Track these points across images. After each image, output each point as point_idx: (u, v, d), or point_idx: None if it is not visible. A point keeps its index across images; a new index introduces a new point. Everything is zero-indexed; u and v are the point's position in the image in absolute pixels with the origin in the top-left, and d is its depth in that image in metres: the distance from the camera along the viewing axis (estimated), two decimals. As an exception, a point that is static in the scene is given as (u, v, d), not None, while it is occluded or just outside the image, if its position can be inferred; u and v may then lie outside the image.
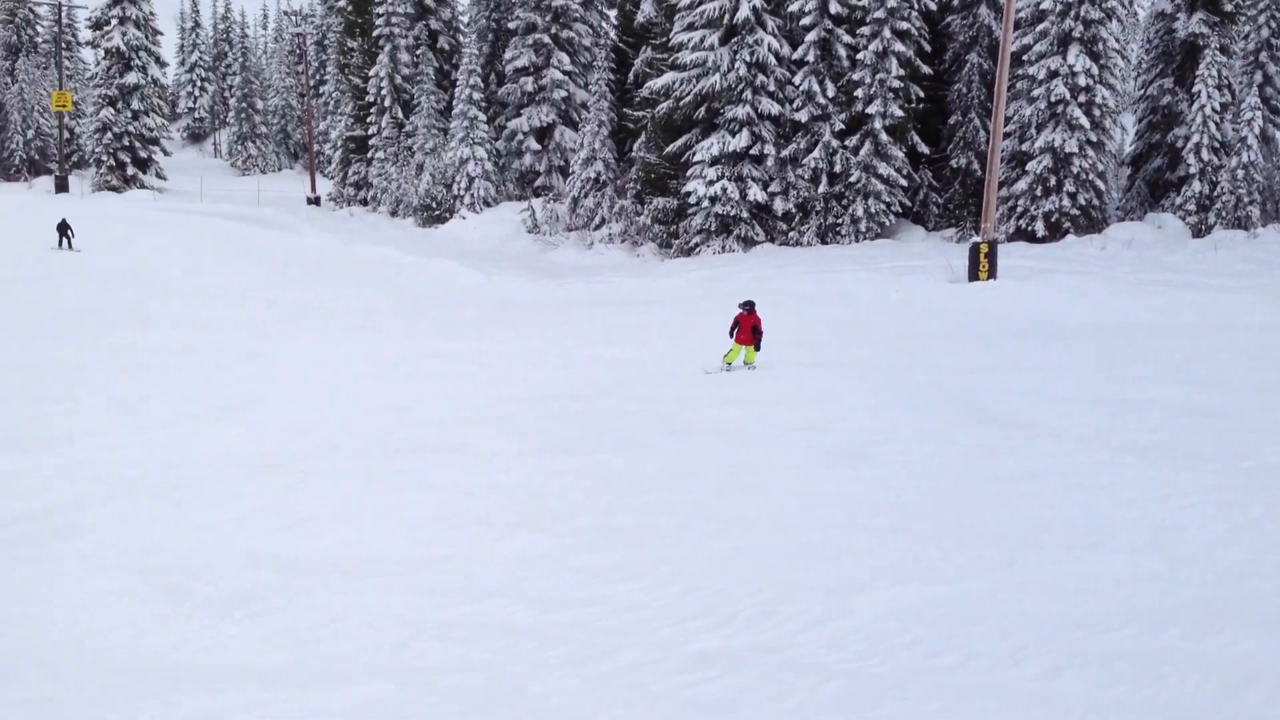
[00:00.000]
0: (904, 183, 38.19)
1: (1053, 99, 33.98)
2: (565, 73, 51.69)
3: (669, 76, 40.28)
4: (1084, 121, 33.74)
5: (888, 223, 38.39)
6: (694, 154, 39.30)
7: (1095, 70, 33.89)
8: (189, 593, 7.48)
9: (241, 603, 7.25)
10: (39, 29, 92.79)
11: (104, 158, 65.66)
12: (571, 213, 46.15)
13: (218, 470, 11.22)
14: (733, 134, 38.41)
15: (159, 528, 9.16)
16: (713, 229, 39.28)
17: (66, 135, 72.39)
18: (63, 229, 35.65)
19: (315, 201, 63.10)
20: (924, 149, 38.77)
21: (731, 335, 17.66)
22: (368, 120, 58.71)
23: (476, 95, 50.87)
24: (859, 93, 37.15)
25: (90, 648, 6.57)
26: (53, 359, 18.73)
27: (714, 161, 38.67)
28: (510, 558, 8.05)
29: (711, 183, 38.52)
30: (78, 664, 6.30)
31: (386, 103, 56.80)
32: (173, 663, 6.28)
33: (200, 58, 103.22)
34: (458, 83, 51.76)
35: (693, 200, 39.23)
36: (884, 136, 37.22)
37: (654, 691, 5.63)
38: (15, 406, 14.70)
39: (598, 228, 44.81)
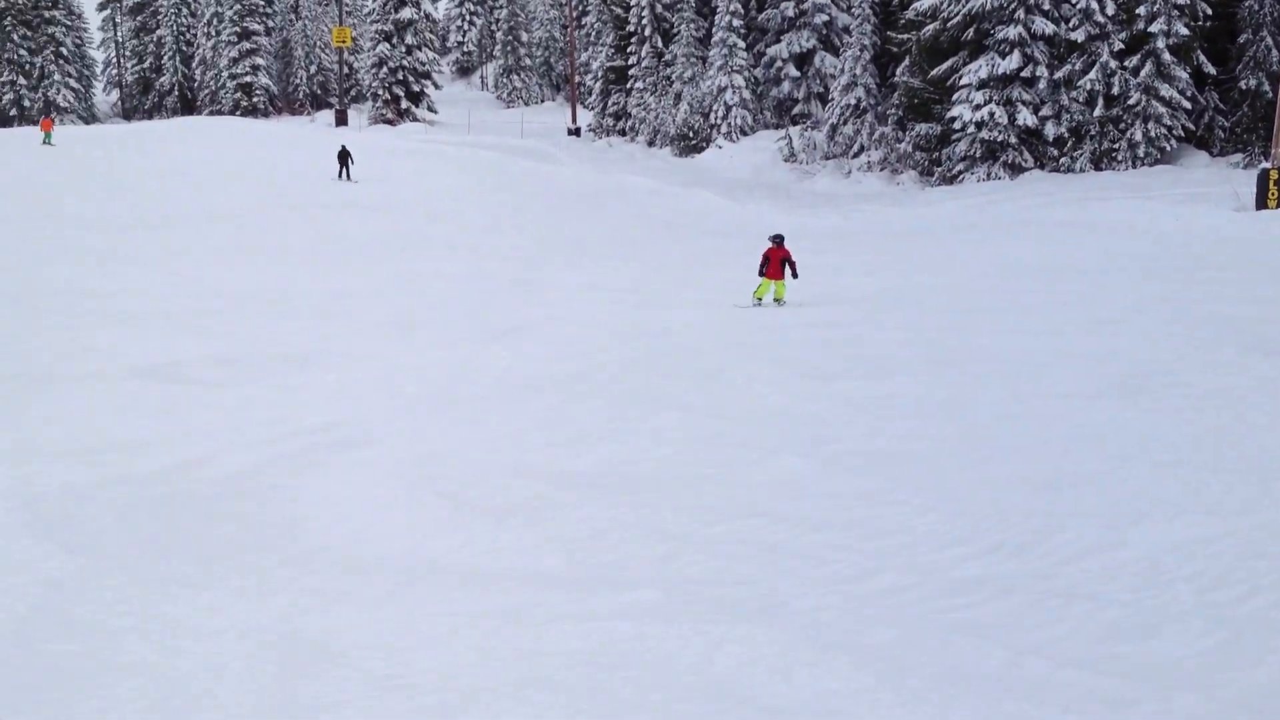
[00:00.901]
0: (1187, 105, 35.93)
1: (1357, 13, 31.27)
2: (827, -4, 50.79)
3: (935, -3, 39.06)
4: (1392, 37, 30.96)
5: (1168, 148, 36.26)
6: (960, 77, 38.07)
7: None
8: (466, 501, 7.89)
9: (515, 512, 7.60)
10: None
11: (379, 91, 68.68)
12: (829, 140, 45.51)
13: (489, 389, 11.74)
14: (1002, 55, 36.96)
15: (437, 441, 9.67)
16: (978, 155, 38.06)
17: (346, 70, 75.92)
18: (343, 159, 37.59)
19: (575, 133, 64.32)
20: (1210, 69, 36.31)
21: (761, 272, 17.27)
22: (628, 51, 59.31)
23: (736, 22, 50.58)
24: (1141, 10, 35.07)
25: (380, 548, 7.03)
26: (335, 284, 19.89)
27: (981, 85, 37.36)
28: (770, 479, 8.13)
29: (978, 107, 37.26)
30: (369, 562, 6.76)
31: (647, 32, 57.19)
32: (455, 564, 6.67)
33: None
34: (717, 10, 51.57)
35: (957, 126, 38.07)
36: (1167, 56, 35.06)
37: (919, 613, 5.63)
38: (305, 327, 15.73)
39: (856, 155, 44.07)
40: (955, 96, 38.30)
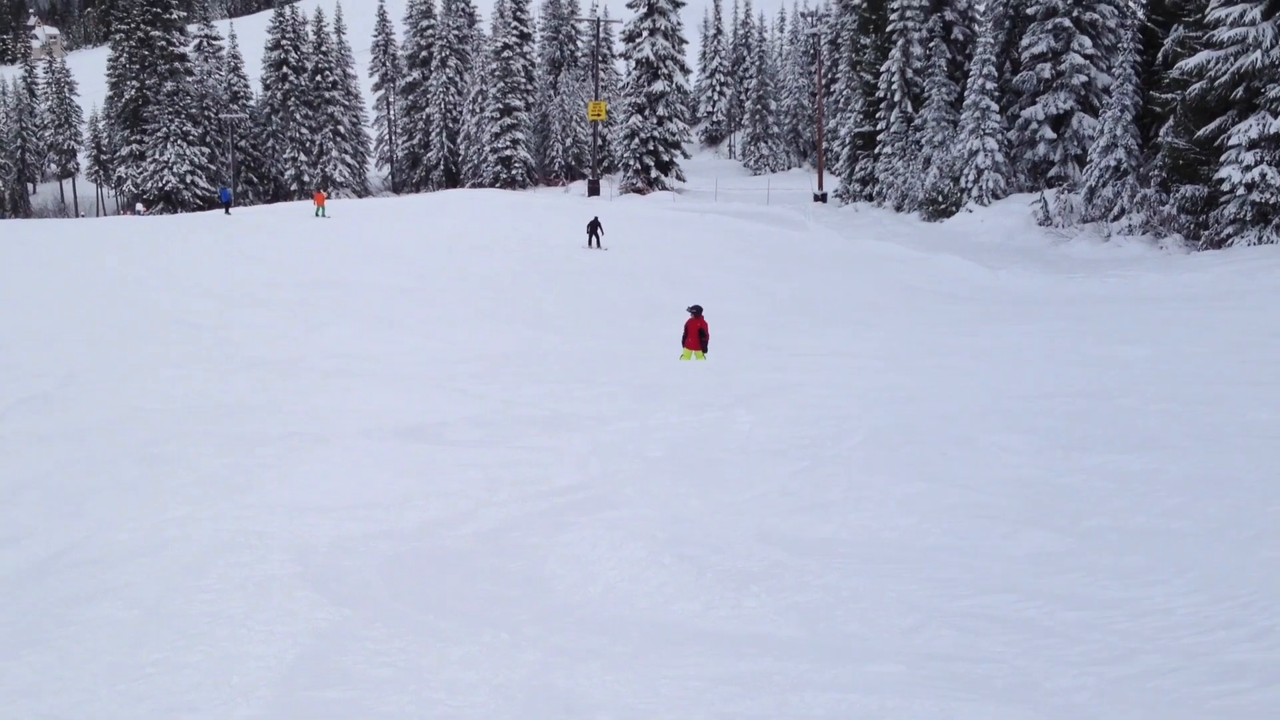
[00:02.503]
0: None
1: None
2: (1086, 57, 49.34)
3: (1202, 55, 37.45)
4: None
5: None
6: (1228, 137, 36.28)
7: None
8: (710, 566, 7.95)
9: (757, 578, 7.62)
10: (578, 44, 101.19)
11: (630, 161, 70.50)
12: (1087, 203, 44.03)
13: (733, 453, 11.80)
14: (1275, 115, 35.05)
15: (681, 505, 9.79)
16: (1248, 218, 36.09)
17: (599, 142, 78.22)
18: (592, 228, 38.80)
19: (821, 198, 64.35)
20: None
21: (683, 342, 18.09)
22: (876, 116, 59.14)
23: (989, 85, 49.77)
24: None
25: (625, 609, 7.17)
26: (583, 347, 20.46)
27: (1251, 145, 35.49)
28: (1022, 554, 7.90)
29: (1248, 168, 35.38)
30: (615, 622, 6.90)
31: (896, 97, 56.92)
32: (698, 628, 6.74)
33: (720, 63, 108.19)
34: (970, 73, 50.90)
35: (1225, 188, 36.23)
36: None
37: (1179, 698, 5.36)
38: (555, 389, 16.22)
39: (1115, 218, 42.47)
40: (1223, 157, 36.50)
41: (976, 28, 55.76)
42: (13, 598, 7.57)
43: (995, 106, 50.14)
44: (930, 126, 53.84)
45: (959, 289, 31.88)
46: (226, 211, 56.01)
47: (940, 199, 51.00)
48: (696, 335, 18.34)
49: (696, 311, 18.43)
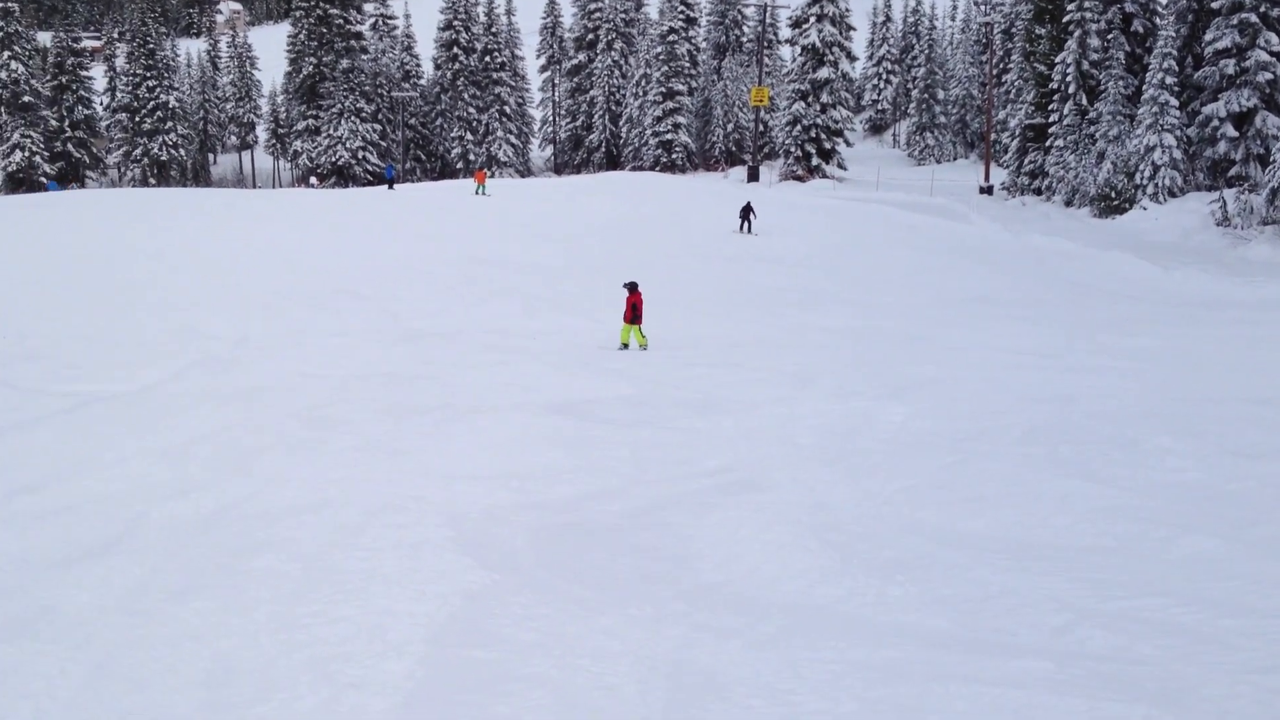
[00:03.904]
0: None
1: None
2: (1272, 54, 47.10)
3: (1402, 51, 35.48)
4: None
5: None
6: None
7: None
8: (855, 553, 7.91)
9: (904, 567, 7.55)
10: (744, 29, 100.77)
11: (791, 148, 69.90)
12: (1269, 205, 42.09)
13: (884, 444, 11.69)
14: None
15: (829, 491, 9.75)
16: None
17: (761, 128, 77.80)
18: (745, 213, 38.66)
19: (987, 191, 62.87)
20: None
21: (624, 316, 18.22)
22: (1049, 108, 57.48)
23: (1169, 80, 47.90)
24: None
25: (768, 591, 7.18)
26: (735, 333, 20.42)
27: None
28: (1181, 558, 7.66)
29: None
30: (757, 603, 6.93)
31: (1070, 89, 55.25)
32: (841, 613, 6.71)
33: (888, 51, 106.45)
34: (1149, 67, 49.05)
35: None
36: None
37: (1344, 714, 5.15)
38: (706, 373, 16.26)
39: (1299, 221, 40.52)
40: None
41: (1157, 20, 53.65)
42: (182, 547, 7.96)
43: (1174, 102, 48.21)
44: (1105, 120, 52.08)
45: (1128, 288, 30.82)
46: (390, 187, 57.52)
47: (1113, 195, 49.32)
48: (631, 310, 18.51)
49: (632, 287, 18.70)
